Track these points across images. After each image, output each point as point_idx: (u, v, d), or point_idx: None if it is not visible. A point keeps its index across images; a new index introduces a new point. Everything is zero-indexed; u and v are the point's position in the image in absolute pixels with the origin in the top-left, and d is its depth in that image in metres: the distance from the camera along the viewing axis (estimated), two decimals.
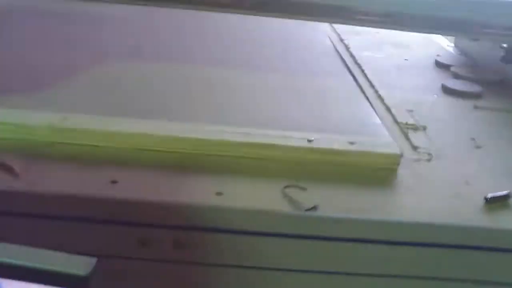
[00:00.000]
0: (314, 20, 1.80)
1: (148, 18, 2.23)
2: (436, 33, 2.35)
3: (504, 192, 1.25)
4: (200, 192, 1.17)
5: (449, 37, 2.52)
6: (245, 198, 1.18)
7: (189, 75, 1.74)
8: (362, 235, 1.15)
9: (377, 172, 1.33)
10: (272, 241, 1.15)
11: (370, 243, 1.15)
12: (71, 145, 1.28)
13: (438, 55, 2.23)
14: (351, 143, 1.37)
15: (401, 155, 1.35)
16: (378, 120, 1.57)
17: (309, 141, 1.35)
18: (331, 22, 2.35)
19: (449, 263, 1.18)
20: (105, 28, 2.12)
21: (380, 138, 1.45)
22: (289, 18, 1.65)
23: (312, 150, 1.33)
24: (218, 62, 1.90)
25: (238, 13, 1.63)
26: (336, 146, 1.35)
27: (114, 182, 1.17)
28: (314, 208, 1.15)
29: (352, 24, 1.83)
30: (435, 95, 1.85)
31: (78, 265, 0.67)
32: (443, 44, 2.47)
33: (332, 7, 1.48)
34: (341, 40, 2.33)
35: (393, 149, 1.38)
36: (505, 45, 1.97)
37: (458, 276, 1.19)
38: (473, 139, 1.54)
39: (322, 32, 2.43)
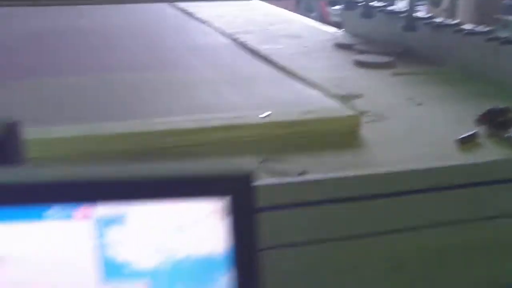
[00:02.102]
0: None
1: None
2: None
3: (472, 132, 1.26)
4: None
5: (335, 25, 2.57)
6: None
7: (103, 81, 1.64)
8: (360, 191, 1.09)
9: (342, 136, 1.29)
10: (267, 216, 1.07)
11: (366, 200, 1.10)
12: None
13: (336, 39, 2.25)
14: (307, 113, 1.32)
15: (360, 116, 1.33)
16: (317, 93, 1.54)
17: (265, 117, 1.29)
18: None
19: (453, 203, 1.14)
20: None
21: (331, 106, 1.41)
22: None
23: (275, 124, 1.27)
24: (132, 66, 1.81)
25: None
26: (295, 117, 1.30)
27: None
28: (304, 172, 1.09)
29: None
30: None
31: (233, 168, 0.55)
32: (331, 31, 2.51)
33: None
34: (235, 39, 2.29)
35: (351, 112, 1.35)
36: (404, 15, 2.02)
37: (460, 217, 1.16)
38: (410, 98, 1.55)
39: (209, 33, 2.41)
